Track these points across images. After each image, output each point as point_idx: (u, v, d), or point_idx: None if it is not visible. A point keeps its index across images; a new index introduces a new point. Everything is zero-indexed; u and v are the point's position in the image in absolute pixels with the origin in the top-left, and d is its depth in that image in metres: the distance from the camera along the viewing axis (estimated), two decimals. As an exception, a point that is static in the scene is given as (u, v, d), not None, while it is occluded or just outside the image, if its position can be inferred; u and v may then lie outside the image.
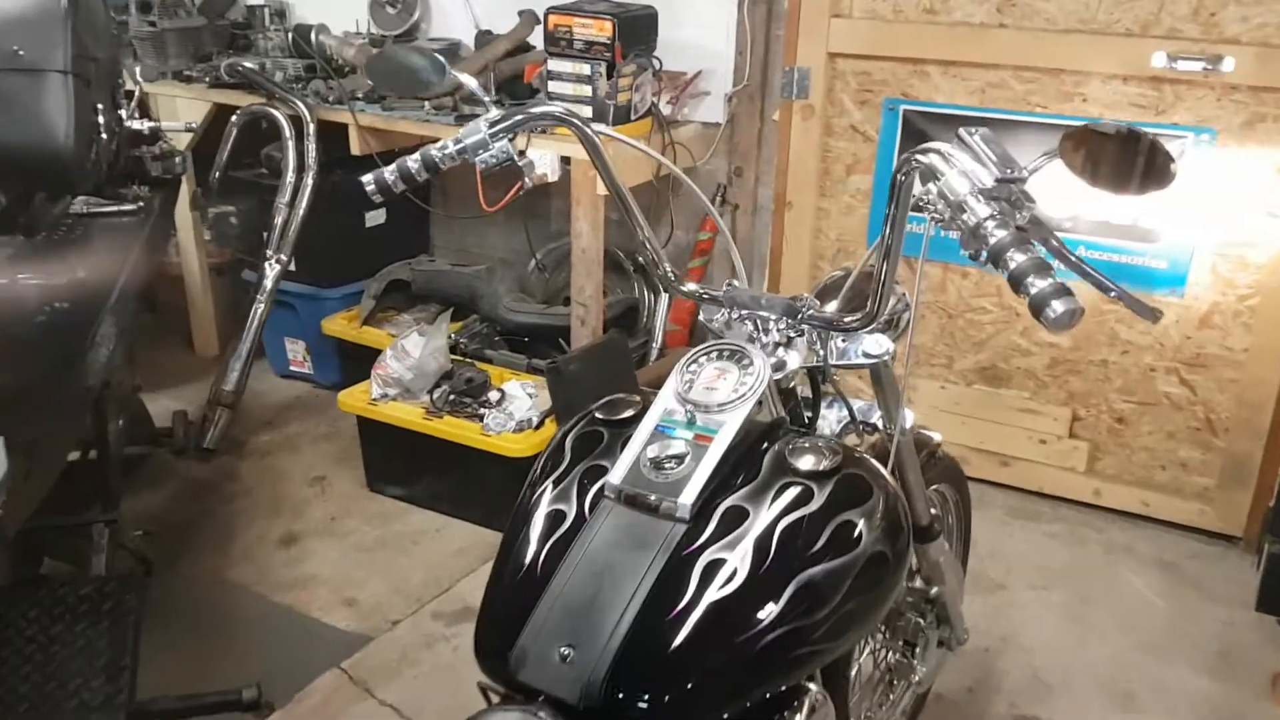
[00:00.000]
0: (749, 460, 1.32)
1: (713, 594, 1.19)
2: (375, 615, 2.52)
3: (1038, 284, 1.05)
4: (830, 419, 1.59)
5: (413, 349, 2.97)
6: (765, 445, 1.35)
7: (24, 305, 2.27)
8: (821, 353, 1.46)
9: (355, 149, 3.36)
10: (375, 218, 3.67)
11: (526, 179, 3.06)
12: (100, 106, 1.89)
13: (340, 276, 3.60)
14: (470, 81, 1.49)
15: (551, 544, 1.29)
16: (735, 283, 1.47)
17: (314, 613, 2.53)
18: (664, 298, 3.53)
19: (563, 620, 1.20)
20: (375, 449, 3.01)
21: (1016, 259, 1.06)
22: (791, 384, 1.49)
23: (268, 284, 3.31)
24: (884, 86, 3.13)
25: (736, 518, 1.25)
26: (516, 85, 3.36)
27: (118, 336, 2.73)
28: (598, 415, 1.44)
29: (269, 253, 3.30)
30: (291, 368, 3.70)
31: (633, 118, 3.12)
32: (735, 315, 1.46)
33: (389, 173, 1.45)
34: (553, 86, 3.11)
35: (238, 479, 3.11)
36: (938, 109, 3.03)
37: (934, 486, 2.01)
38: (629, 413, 1.42)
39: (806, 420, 1.55)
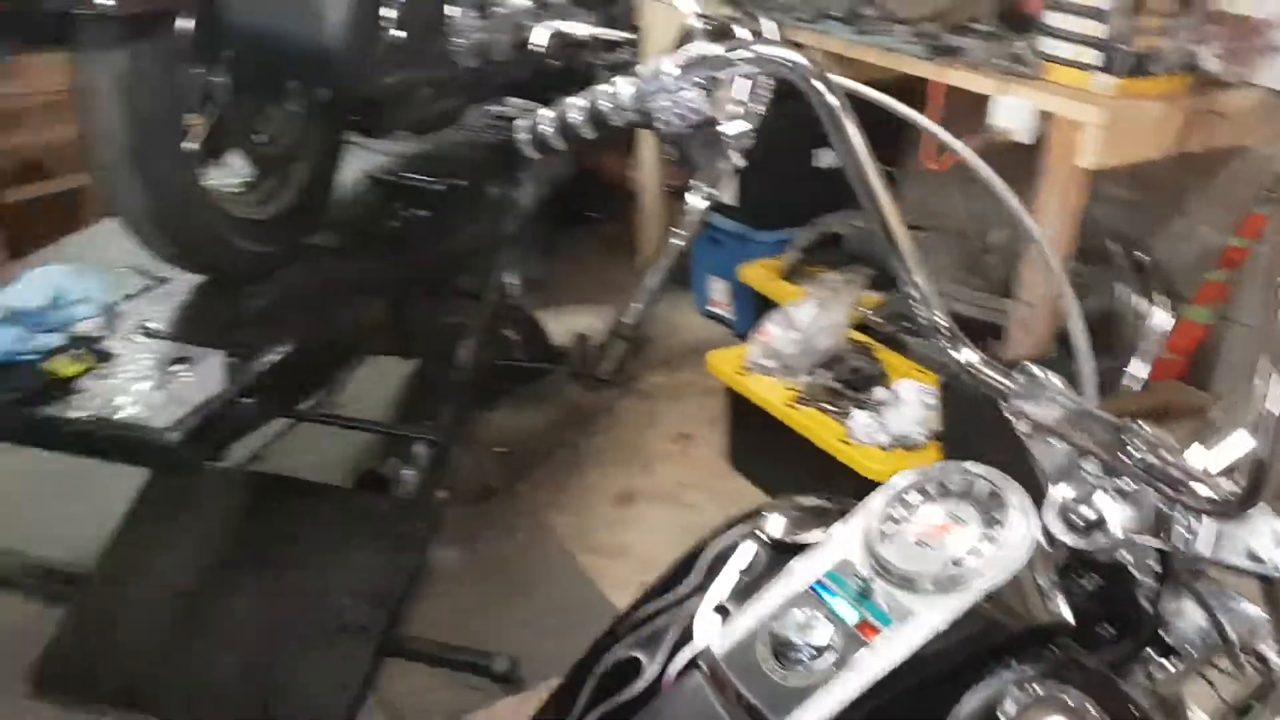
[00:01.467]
0: (938, 695, 0.76)
1: None
2: (667, 614, 2.20)
3: None
4: (1186, 624, 0.93)
5: (802, 320, 2.54)
6: (992, 668, 0.78)
7: (376, 204, 2.25)
8: (1169, 525, 0.82)
9: (815, 76, 2.95)
10: (829, 157, 3.23)
11: (990, 132, 2.47)
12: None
13: (776, 219, 3.23)
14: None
15: (601, 713, 0.86)
16: (1033, 367, 0.87)
17: (608, 591, 2.28)
18: (1158, 311, 2.69)
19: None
20: (739, 422, 2.66)
21: None
22: (1115, 557, 0.86)
23: (691, 217, 3.08)
24: None
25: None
26: (1015, 16, 2.68)
27: (488, 251, 2.66)
28: (765, 529, 0.94)
29: (695, 181, 3.05)
30: (710, 308, 3.45)
31: (1151, 70, 2.32)
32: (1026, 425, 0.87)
33: (546, 122, 1.04)
34: (1051, 19, 2.41)
35: (611, 415, 2.96)
36: None
37: None
38: (813, 534, 0.91)
39: (1144, 613, 0.91)
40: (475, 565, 2.31)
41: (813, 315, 2.53)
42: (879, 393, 2.40)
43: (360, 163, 2.34)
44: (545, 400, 2.99)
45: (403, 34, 1.77)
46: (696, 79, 0.95)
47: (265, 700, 1.84)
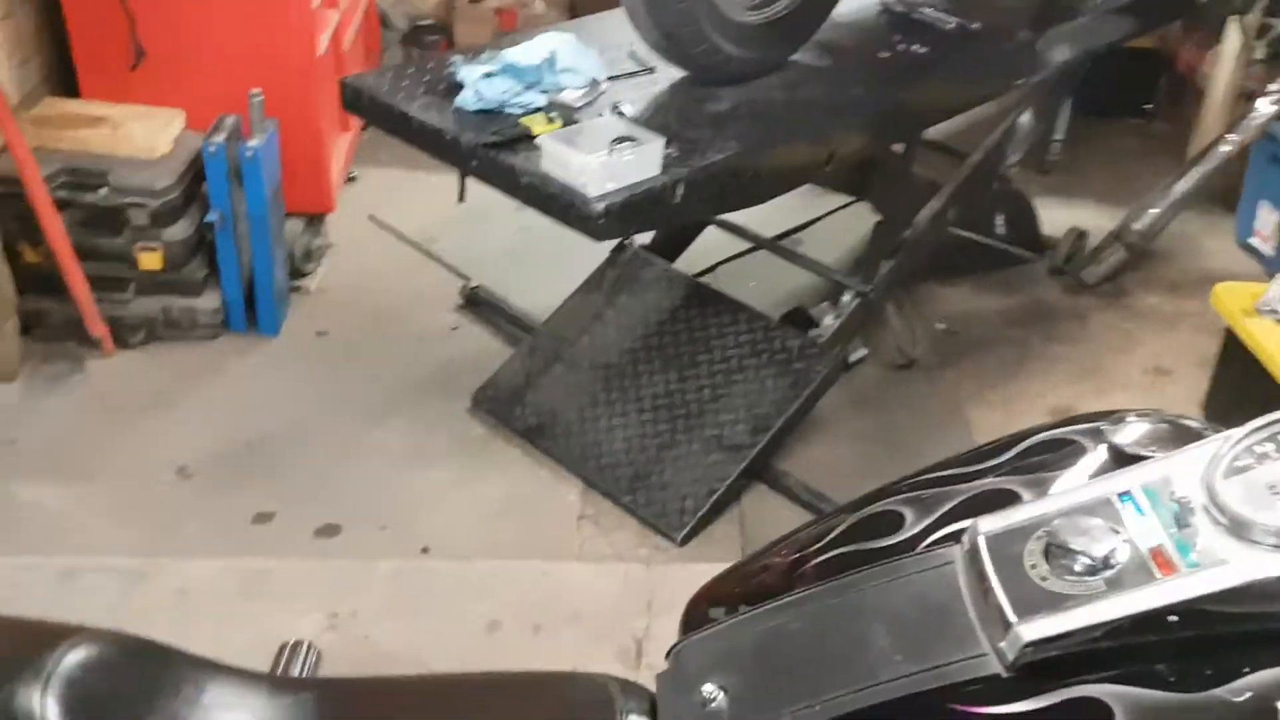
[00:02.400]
0: (1210, 660, 0.61)
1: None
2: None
3: None
4: None
5: (1348, 267, 2.06)
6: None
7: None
8: None
9: None
10: None
11: None
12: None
13: (1369, 147, 2.61)
14: None
15: (840, 552, 0.80)
16: None
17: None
18: None
19: (742, 654, 0.75)
20: (1229, 369, 2.25)
21: None
22: None
23: (1253, 123, 2.61)
24: None
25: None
26: None
27: (990, 109, 2.44)
28: (1112, 434, 0.79)
29: (1273, 86, 2.57)
30: (1252, 239, 2.91)
31: None
32: None
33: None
34: None
35: (1081, 326, 2.65)
36: None
37: None
38: (1162, 452, 0.75)
39: None
40: (872, 430, 2.23)
41: (1365, 265, 2.04)
42: None
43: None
44: (1011, 289, 2.75)
45: None
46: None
47: (638, 476, 1.97)
